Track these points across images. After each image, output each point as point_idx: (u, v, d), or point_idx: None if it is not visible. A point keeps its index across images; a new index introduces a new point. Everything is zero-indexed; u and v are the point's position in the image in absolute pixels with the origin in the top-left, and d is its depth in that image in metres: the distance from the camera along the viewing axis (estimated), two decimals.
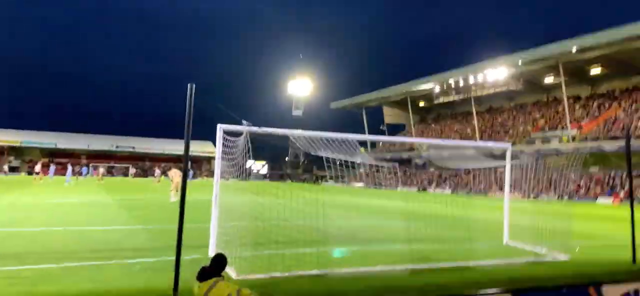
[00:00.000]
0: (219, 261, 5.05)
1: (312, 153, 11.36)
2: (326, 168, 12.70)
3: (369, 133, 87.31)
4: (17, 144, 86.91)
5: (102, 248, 9.91)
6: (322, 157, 11.70)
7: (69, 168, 45.57)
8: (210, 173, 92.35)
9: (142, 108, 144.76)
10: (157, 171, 62.17)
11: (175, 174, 25.66)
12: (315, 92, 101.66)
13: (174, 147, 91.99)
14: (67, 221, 14.33)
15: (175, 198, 24.11)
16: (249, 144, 9.20)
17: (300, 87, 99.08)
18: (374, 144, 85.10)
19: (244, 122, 9.26)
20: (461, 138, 67.41)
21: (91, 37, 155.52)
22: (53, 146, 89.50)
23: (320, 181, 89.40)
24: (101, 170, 62.06)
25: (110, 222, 14.73)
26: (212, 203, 9.29)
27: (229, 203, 9.83)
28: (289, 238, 10.85)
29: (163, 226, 13.67)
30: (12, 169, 79.02)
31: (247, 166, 10.39)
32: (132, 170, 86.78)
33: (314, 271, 8.07)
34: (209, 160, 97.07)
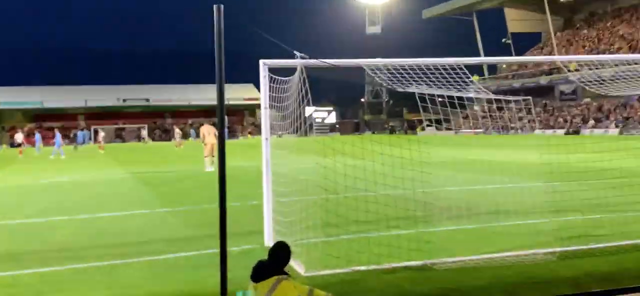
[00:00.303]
0: (280, 253, 5.26)
1: (400, 89, 11.29)
2: (422, 110, 12.63)
3: (485, 52, 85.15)
4: None
5: (120, 242, 10.59)
6: (415, 94, 11.62)
7: (58, 135, 48.41)
8: (256, 129, 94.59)
9: (157, 46, 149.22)
10: (177, 131, 64.23)
11: (208, 133, 26.57)
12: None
13: (203, 95, 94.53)
14: (71, 207, 15.40)
15: (211, 166, 25.07)
16: (306, 84, 9.30)
17: None
18: (493, 68, 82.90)
19: (297, 53, 9.34)
20: (630, 48, 63.95)
21: None
22: (39, 106, 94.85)
23: (414, 129, 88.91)
24: (102, 134, 65.13)
25: (127, 205, 15.68)
26: (263, 171, 9.60)
27: (286, 169, 10.10)
28: (375, 215, 11.02)
29: (199, 207, 14.33)
30: None
31: (307, 115, 10.55)
32: (144, 133, 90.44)
33: (414, 262, 8.20)
34: (253, 110, 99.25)
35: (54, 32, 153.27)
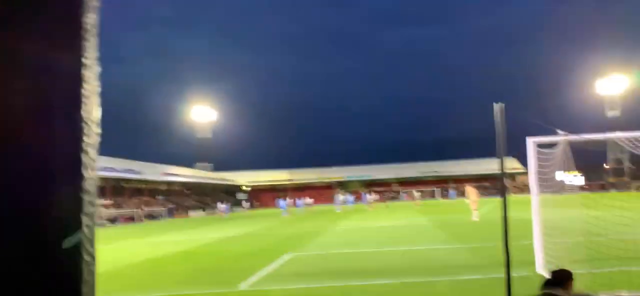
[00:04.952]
0: (563, 275, 4.80)
1: None
2: None
3: None
4: (343, 179, 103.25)
5: (430, 266, 10.65)
6: None
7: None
8: (516, 190, 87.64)
9: (443, 132, 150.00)
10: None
11: (471, 192, 25.29)
12: (634, 87, 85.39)
13: (475, 167, 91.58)
14: (395, 241, 16.04)
15: (476, 217, 23.62)
16: (569, 154, 8.48)
17: (613, 84, 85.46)
18: None
19: (560, 131, 8.58)
20: None
21: (388, 77, 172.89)
22: (368, 177, 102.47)
23: None
24: (416, 193, 63.28)
25: (431, 241, 15.71)
26: (533, 218, 8.90)
27: (549, 218, 9.20)
28: (633, 253, 9.30)
29: (481, 244, 13.72)
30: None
31: (558, 178, 9.60)
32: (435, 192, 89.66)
33: None
34: (514, 176, 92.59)
35: (390, 133, 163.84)
